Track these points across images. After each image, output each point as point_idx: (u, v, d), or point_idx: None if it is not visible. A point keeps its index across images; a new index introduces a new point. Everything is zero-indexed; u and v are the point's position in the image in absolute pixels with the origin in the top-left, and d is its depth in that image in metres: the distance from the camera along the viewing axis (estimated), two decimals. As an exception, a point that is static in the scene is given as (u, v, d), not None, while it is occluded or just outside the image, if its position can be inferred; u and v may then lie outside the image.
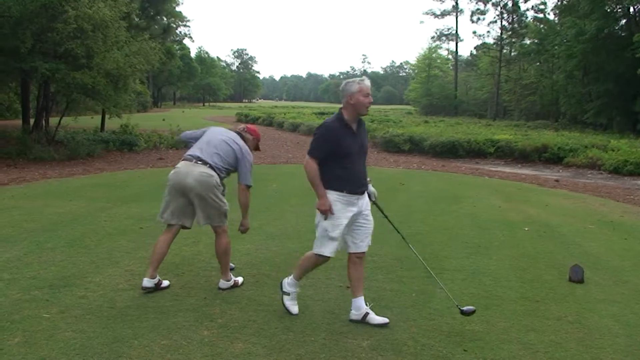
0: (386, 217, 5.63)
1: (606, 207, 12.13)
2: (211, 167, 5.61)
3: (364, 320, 5.02)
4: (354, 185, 4.97)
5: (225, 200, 5.76)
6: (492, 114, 65.38)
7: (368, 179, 5.23)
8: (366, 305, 5.11)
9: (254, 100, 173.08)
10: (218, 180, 5.62)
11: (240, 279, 6.01)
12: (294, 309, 5.23)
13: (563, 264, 7.16)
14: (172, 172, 5.74)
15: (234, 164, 5.77)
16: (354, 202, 4.98)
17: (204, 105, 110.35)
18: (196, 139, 6.03)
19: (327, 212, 4.87)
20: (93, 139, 22.24)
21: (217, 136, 5.89)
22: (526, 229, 9.36)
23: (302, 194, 12.14)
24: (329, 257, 5.05)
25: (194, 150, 5.78)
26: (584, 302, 5.76)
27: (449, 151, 23.73)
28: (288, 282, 5.27)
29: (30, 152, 18.36)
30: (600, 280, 6.60)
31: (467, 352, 4.52)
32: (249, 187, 5.81)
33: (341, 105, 5.00)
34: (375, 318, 5.03)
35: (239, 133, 6.04)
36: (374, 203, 5.39)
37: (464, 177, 16.97)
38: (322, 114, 54.56)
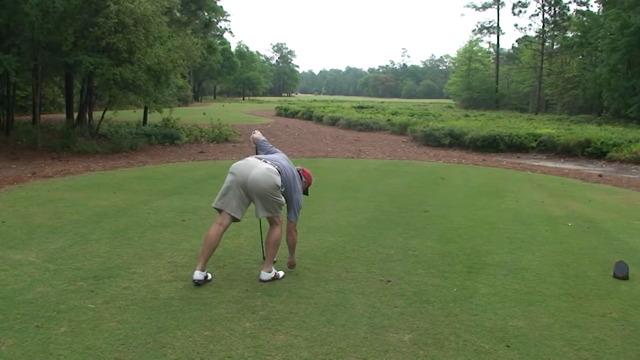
0: None
1: (651, 202, 11.90)
2: (278, 169, 5.77)
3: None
4: None
5: (281, 195, 5.86)
6: (534, 107, 64.47)
7: None
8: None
9: (293, 94, 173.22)
10: (279, 183, 5.73)
11: (281, 273, 6.04)
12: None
13: (607, 260, 7.05)
14: (235, 163, 5.85)
15: (288, 190, 5.96)
16: None
17: (243, 99, 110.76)
18: (263, 151, 6.32)
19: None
20: (136, 133, 22.54)
21: (285, 160, 6.12)
22: (569, 224, 9.23)
23: (341, 188, 12.17)
24: None
25: (261, 154, 6.08)
26: (629, 299, 5.66)
27: (490, 145, 23.50)
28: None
29: (74, 145, 18.67)
30: (646, 277, 6.49)
31: (509, 348, 4.48)
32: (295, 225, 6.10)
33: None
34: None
35: (298, 171, 6.24)
36: None
37: (505, 172, 16.80)
38: (362, 107, 54.55)
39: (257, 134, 6.42)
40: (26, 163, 15.65)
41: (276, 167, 5.75)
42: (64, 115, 26.77)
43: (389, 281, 5.97)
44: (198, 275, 5.67)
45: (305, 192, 6.44)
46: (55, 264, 6.23)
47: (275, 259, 6.26)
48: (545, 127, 28.85)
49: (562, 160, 21.41)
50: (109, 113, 23.11)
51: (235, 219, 5.86)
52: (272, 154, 6.18)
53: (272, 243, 5.90)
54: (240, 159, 6.00)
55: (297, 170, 6.22)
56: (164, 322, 4.71)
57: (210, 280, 5.86)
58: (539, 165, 19.14)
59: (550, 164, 20.15)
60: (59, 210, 9.06)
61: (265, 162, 5.77)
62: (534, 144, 23.38)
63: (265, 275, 5.88)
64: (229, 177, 5.78)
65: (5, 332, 4.44)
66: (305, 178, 6.33)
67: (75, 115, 24.52)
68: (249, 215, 8.97)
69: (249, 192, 5.68)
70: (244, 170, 5.68)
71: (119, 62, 18.83)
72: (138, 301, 5.17)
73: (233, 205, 5.76)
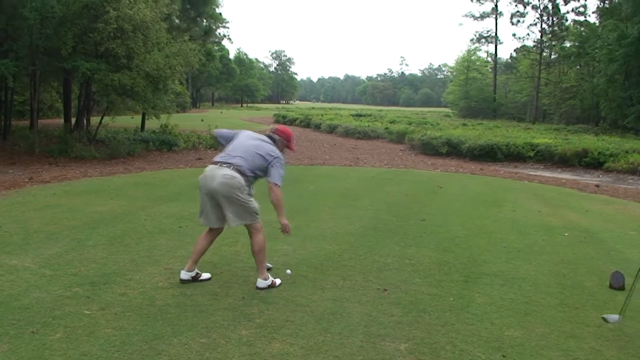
0: None
1: (648, 213, 11.91)
2: (235, 169, 5.66)
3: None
4: None
5: (252, 199, 5.80)
6: (532, 117, 64.58)
7: None
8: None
9: (291, 102, 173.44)
10: (242, 181, 5.64)
11: (278, 281, 6.01)
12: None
13: (603, 270, 7.05)
14: (200, 176, 5.83)
15: (263, 168, 5.82)
16: None
17: (242, 106, 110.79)
18: (227, 139, 6.12)
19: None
20: (133, 139, 22.54)
21: (246, 141, 5.93)
22: (566, 234, 9.24)
23: (339, 195, 12.17)
24: None
25: (221, 155, 5.90)
26: (626, 310, 5.67)
27: (488, 154, 23.53)
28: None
29: (71, 151, 18.68)
30: (642, 288, 6.49)
31: (506, 357, 4.47)
32: (277, 185, 5.80)
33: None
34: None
35: (269, 135, 6.06)
36: None
37: (502, 181, 16.81)
38: (360, 115, 54.59)
39: (215, 131, 6.45)
40: (23, 168, 15.64)
41: (232, 167, 5.66)
42: (61, 121, 26.81)
43: (385, 290, 5.97)
44: (184, 275, 5.88)
45: (290, 148, 6.24)
46: (51, 269, 6.22)
47: (270, 266, 6.27)
48: (543, 136, 28.92)
49: (559, 170, 21.45)
50: (106, 119, 23.11)
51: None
52: (234, 141, 6.00)
53: (257, 251, 5.88)
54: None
55: (270, 134, 6.08)
56: (160, 329, 4.70)
57: (206, 279, 6.00)
58: (536, 175, 19.17)
59: (547, 173, 20.18)
60: (55, 216, 9.04)
61: (222, 166, 5.68)
62: (532, 154, 23.41)
63: (261, 282, 5.86)
64: (199, 192, 5.84)
65: (0, 337, 4.43)
66: (281, 135, 6.11)
67: (73, 120, 24.53)
68: (246, 222, 8.96)
69: (218, 200, 5.69)
70: (207, 183, 5.67)
71: (118, 67, 18.86)
72: (134, 308, 5.16)
73: (213, 219, 5.83)
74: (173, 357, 4.24)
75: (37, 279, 5.88)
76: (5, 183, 12.52)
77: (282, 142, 6.10)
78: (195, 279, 5.94)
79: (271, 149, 5.90)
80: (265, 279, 5.88)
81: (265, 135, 6.08)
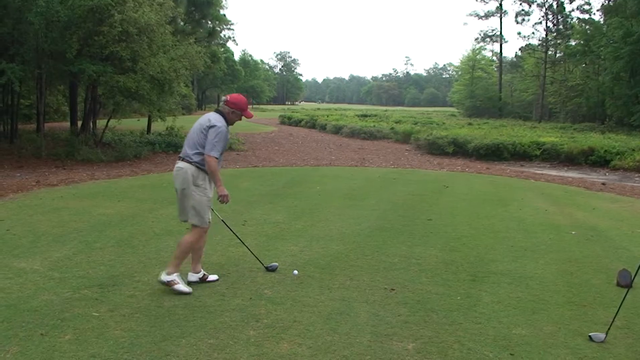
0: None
1: (655, 211, 11.88)
2: (183, 159, 5.72)
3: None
4: None
5: (206, 194, 5.73)
6: (537, 116, 64.37)
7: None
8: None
9: (296, 103, 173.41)
10: (193, 171, 5.65)
11: (182, 287, 5.68)
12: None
13: (611, 268, 7.04)
14: None
15: (204, 144, 5.69)
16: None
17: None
18: None
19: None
20: (139, 141, 22.64)
21: (194, 126, 5.86)
22: (573, 232, 9.23)
23: (345, 196, 12.17)
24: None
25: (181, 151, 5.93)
26: (632, 307, 5.65)
27: (494, 154, 23.51)
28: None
29: (78, 154, 18.74)
30: (650, 285, 6.48)
31: (514, 356, 4.48)
32: (213, 157, 5.65)
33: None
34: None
35: (217, 110, 5.92)
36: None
37: (509, 180, 16.78)
38: (365, 116, 54.54)
39: None
40: (30, 171, 15.69)
41: (181, 159, 5.74)
42: (68, 124, 26.87)
43: (392, 289, 5.98)
44: (191, 277, 6.02)
45: (247, 116, 6.00)
46: (59, 272, 6.25)
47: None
48: (549, 135, 28.83)
49: (565, 168, 21.40)
50: (113, 121, 23.18)
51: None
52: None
53: (182, 248, 5.74)
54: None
55: (220, 107, 5.91)
56: (168, 331, 4.72)
57: (214, 281, 6.04)
58: (542, 174, 19.13)
59: (553, 172, 20.14)
60: (63, 219, 9.08)
61: (177, 161, 5.79)
62: (538, 153, 23.38)
63: (163, 276, 5.66)
64: None
65: (10, 339, 4.46)
66: (232, 106, 5.88)
67: (80, 123, 24.59)
68: (252, 223, 9.00)
69: (179, 196, 5.81)
70: (173, 180, 5.85)
71: (123, 70, 18.90)
72: (142, 309, 5.19)
73: (180, 212, 5.95)
74: (182, 358, 4.26)
75: (45, 281, 5.91)
76: (12, 186, 12.56)
77: (235, 112, 5.92)
78: (203, 280, 5.98)
79: (208, 119, 5.78)
80: (169, 274, 5.64)
81: (214, 111, 5.96)
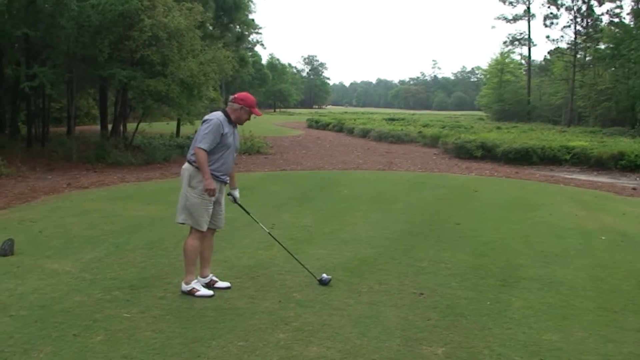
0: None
1: (688, 216, 11.70)
2: (188, 161, 5.82)
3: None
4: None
5: (202, 197, 5.70)
6: (567, 120, 63.71)
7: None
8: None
9: (323, 106, 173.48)
10: (192, 171, 5.73)
11: (204, 291, 5.78)
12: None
13: (643, 274, 6.97)
14: None
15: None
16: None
17: (274, 111, 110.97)
18: None
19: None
20: (169, 145, 22.81)
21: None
22: (603, 238, 9.12)
23: (373, 200, 12.16)
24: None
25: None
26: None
27: (523, 158, 23.27)
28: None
29: (108, 157, 18.93)
30: (683, 292, 6.39)
31: (544, 361, 4.45)
32: (202, 149, 5.65)
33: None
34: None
35: (223, 110, 5.92)
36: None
37: (538, 185, 16.64)
38: (392, 119, 54.39)
39: None
40: (61, 174, 15.89)
41: (187, 162, 5.81)
42: (98, 127, 27.19)
43: (421, 294, 5.97)
44: (183, 287, 5.88)
45: (254, 113, 5.98)
46: (91, 273, 6.33)
47: (213, 277, 6.13)
48: (578, 139, 28.50)
49: (595, 173, 21.14)
50: (142, 125, 23.41)
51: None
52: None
53: (184, 252, 5.83)
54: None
55: (228, 104, 5.90)
56: (198, 332, 4.76)
57: (228, 288, 5.99)
58: (572, 178, 18.92)
59: (583, 176, 19.91)
60: (94, 221, 9.19)
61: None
62: (567, 157, 23.10)
63: (183, 286, 5.78)
64: None
65: (43, 340, 4.53)
66: (240, 103, 5.85)
67: (110, 127, 24.86)
68: (281, 227, 9.02)
69: None
70: None
71: (153, 74, 19.08)
72: (173, 311, 5.23)
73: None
74: (212, 359, 4.29)
75: (77, 282, 5.99)
76: (44, 188, 12.74)
77: (244, 109, 5.89)
78: (211, 285, 5.95)
79: (208, 117, 5.84)
80: (187, 283, 5.75)
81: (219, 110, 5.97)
